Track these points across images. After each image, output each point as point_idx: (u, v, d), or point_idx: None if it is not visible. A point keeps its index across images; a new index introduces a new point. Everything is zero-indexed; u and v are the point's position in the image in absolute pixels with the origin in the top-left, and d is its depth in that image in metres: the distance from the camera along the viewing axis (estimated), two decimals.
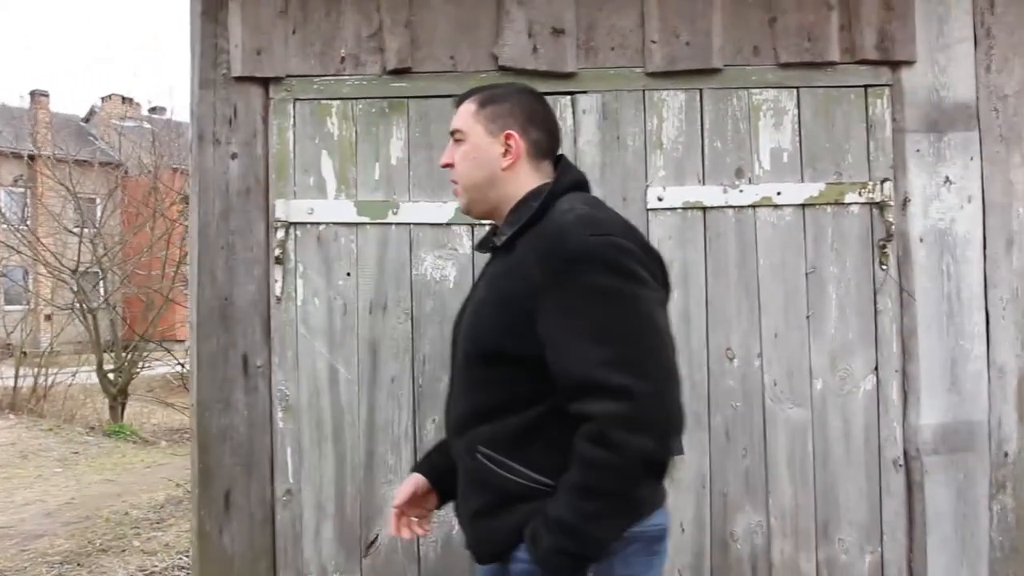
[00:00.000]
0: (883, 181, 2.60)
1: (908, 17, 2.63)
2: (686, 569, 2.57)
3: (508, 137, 1.75)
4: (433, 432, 2.53)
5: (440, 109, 2.55)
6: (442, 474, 1.87)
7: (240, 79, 2.53)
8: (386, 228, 2.54)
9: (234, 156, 2.53)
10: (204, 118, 2.54)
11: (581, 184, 1.80)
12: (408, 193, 2.55)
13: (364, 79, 2.56)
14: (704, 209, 2.59)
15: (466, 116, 1.79)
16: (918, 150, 2.64)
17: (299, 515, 2.50)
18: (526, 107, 1.79)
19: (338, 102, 2.55)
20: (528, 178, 1.77)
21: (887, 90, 2.64)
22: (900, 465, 2.58)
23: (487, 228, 1.90)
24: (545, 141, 1.78)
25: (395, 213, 2.54)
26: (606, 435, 1.49)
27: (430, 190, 2.56)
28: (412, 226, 2.55)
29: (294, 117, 2.54)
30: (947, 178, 2.64)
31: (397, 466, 2.52)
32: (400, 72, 2.55)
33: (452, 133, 1.81)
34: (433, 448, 1.98)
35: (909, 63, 2.64)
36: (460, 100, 1.83)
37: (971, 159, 2.65)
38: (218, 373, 2.50)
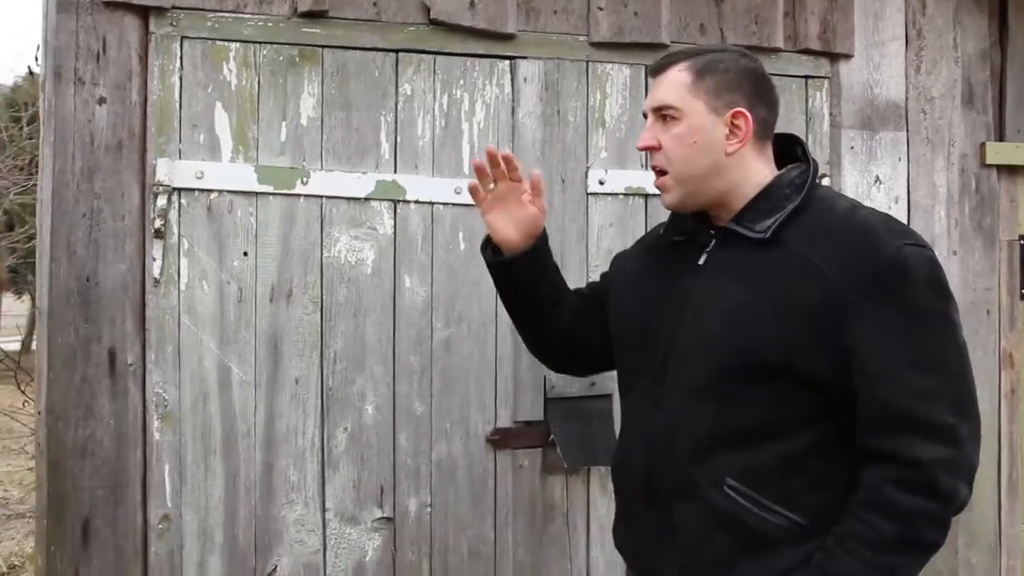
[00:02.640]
0: (821, 177, 2.50)
1: (848, 9, 2.56)
2: None
3: (736, 116, 1.49)
4: (345, 442, 2.16)
5: (361, 63, 2.18)
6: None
7: (112, 5, 2.02)
8: (293, 200, 2.13)
9: (102, 101, 2.02)
10: (63, 51, 2.00)
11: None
12: (320, 160, 2.16)
13: (270, 20, 2.13)
14: (646, 196, 2.38)
15: (680, 89, 1.49)
16: (852, 147, 2.58)
17: (179, 546, 2.03)
18: (751, 77, 1.53)
19: (237, 45, 2.11)
20: (755, 163, 1.53)
21: (826, 83, 2.55)
22: None
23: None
24: (771, 119, 1.55)
25: (305, 183, 2.13)
26: (936, 483, 1.34)
27: (347, 158, 2.17)
28: (324, 199, 2.15)
29: (181, 59, 2.07)
30: (877, 177, 2.60)
31: (301, 483, 2.13)
32: (314, 15, 2.14)
33: (658, 109, 1.51)
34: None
35: (847, 56, 2.56)
36: (663, 66, 1.53)
37: (899, 160, 2.63)
38: (76, 373, 1.98)
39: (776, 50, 2.48)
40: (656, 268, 1.67)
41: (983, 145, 2.69)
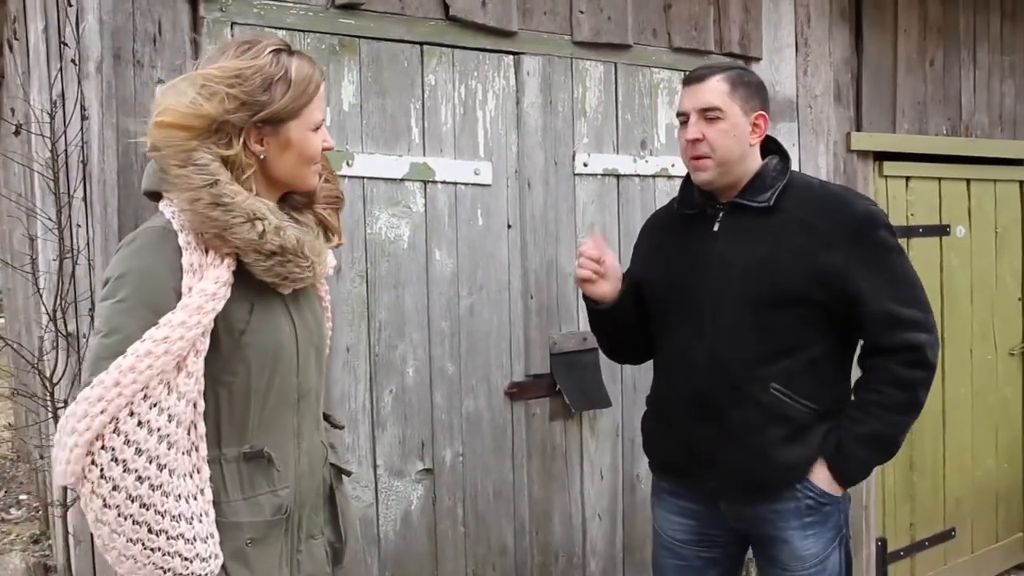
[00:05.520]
0: None
1: (758, 20, 3.08)
2: (604, 513, 2.76)
3: (759, 117, 1.96)
4: (391, 403, 2.36)
5: (392, 54, 2.36)
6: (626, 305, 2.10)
7: None
8: (339, 181, 2.27)
9: (160, 83, 2.05)
10: (121, 33, 2.01)
11: None
12: (361, 144, 2.32)
13: (310, 10, 2.24)
14: (618, 176, 2.77)
15: (721, 94, 1.93)
16: None
17: None
18: (763, 89, 2.01)
19: (283, 32, 2.20)
20: (757, 153, 2.00)
21: None
22: None
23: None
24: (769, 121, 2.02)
25: (349, 165, 2.29)
26: (925, 358, 1.87)
27: (384, 142, 2.35)
28: (366, 180, 2.32)
29: None
30: None
31: (355, 443, 2.31)
32: (348, 7, 2.29)
33: (704, 110, 1.92)
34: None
35: (757, 59, 3.09)
36: (702, 76, 1.95)
37: (792, 146, 3.21)
38: None
39: (708, 52, 2.95)
40: (675, 237, 2.15)
41: (848, 135, 3.35)
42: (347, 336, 2.29)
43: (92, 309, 2.22)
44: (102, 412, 1.29)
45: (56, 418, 2.40)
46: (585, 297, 2.12)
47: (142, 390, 1.31)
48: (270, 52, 1.45)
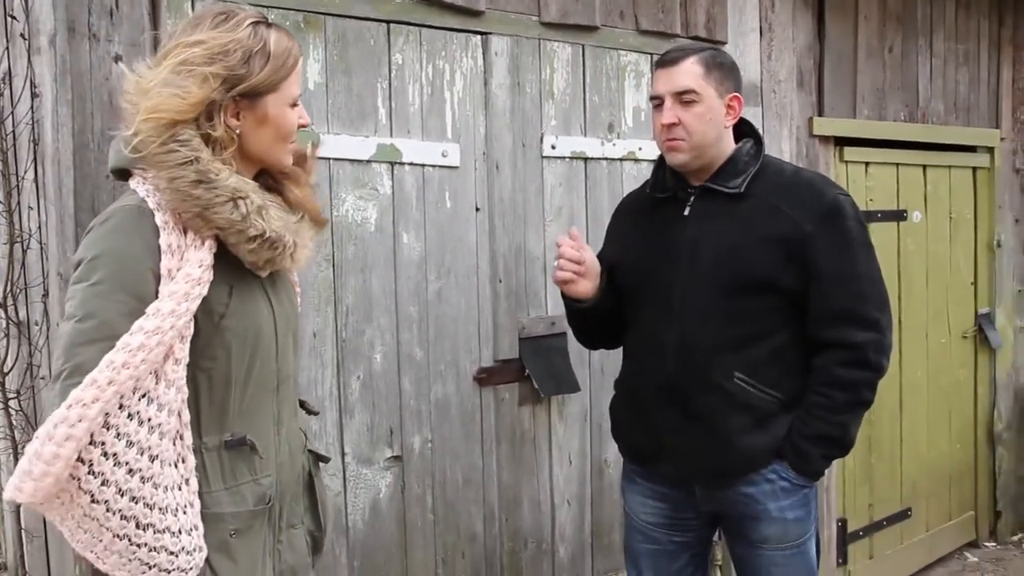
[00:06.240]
0: None
1: (724, 4, 3.08)
2: (573, 499, 2.75)
3: (734, 99, 1.96)
4: (358, 390, 2.31)
5: (357, 32, 2.30)
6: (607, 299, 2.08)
7: None
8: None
9: (118, 59, 1.97)
10: (76, 5, 1.92)
11: None
12: (327, 124, 2.25)
13: None
14: (586, 159, 2.74)
15: (696, 77, 1.91)
16: None
17: None
18: (736, 70, 1.99)
19: (246, 7, 2.13)
20: (730, 134, 1.98)
21: None
22: None
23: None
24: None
25: (315, 145, 2.22)
26: (866, 358, 1.84)
27: (350, 122, 2.29)
28: (332, 161, 2.26)
29: None
30: None
31: (322, 431, 2.25)
32: None
33: (679, 93, 1.90)
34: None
35: (723, 43, 3.08)
36: (676, 59, 1.92)
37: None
38: None
39: (675, 35, 2.93)
40: (646, 220, 2.13)
41: (811, 120, 3.37)
42: (314, 321, 2.24)
43: (45, 295, 2.14)
44: (96, 414, 1.22)
45: (7, 409, 2.31)
46: (564, 296, 2.09)
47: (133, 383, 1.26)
48: (249, 24, 1.40)
